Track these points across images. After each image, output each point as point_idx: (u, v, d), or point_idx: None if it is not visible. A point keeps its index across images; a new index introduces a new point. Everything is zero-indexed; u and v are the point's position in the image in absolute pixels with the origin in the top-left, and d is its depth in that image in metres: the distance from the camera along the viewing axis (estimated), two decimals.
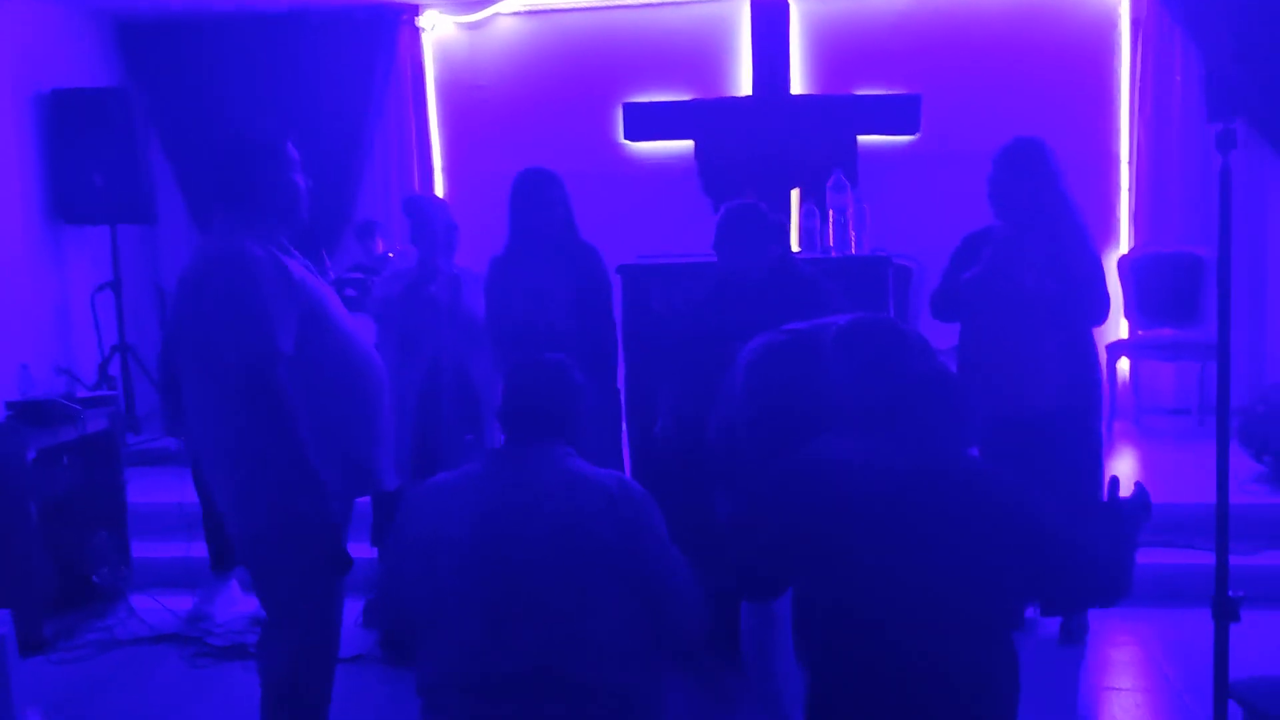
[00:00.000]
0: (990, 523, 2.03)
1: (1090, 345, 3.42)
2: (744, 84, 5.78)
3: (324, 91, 6.16)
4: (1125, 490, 2.17)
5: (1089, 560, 2.09)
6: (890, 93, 5.66)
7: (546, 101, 6.06)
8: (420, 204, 3.89)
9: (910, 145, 5.61)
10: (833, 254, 3.90)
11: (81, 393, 4.57)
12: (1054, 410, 3.33)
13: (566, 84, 6.04)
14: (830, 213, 3.89)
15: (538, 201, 3.59)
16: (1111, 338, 5.78)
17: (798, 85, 5.75)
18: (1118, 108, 5.89)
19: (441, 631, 2.10)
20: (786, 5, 5.64)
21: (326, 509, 2.37)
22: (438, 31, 6.22)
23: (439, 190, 6.31)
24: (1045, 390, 3.31)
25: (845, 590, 2.08)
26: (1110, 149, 5.91)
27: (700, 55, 5.92)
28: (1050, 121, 5.75)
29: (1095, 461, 3.43)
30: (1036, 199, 3.32)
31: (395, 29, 6.18)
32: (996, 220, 3.42)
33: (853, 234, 3.82)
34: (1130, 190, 5.89)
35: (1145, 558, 2.20)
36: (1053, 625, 3.57)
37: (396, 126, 6.27)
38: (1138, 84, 5.82)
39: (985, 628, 2.08)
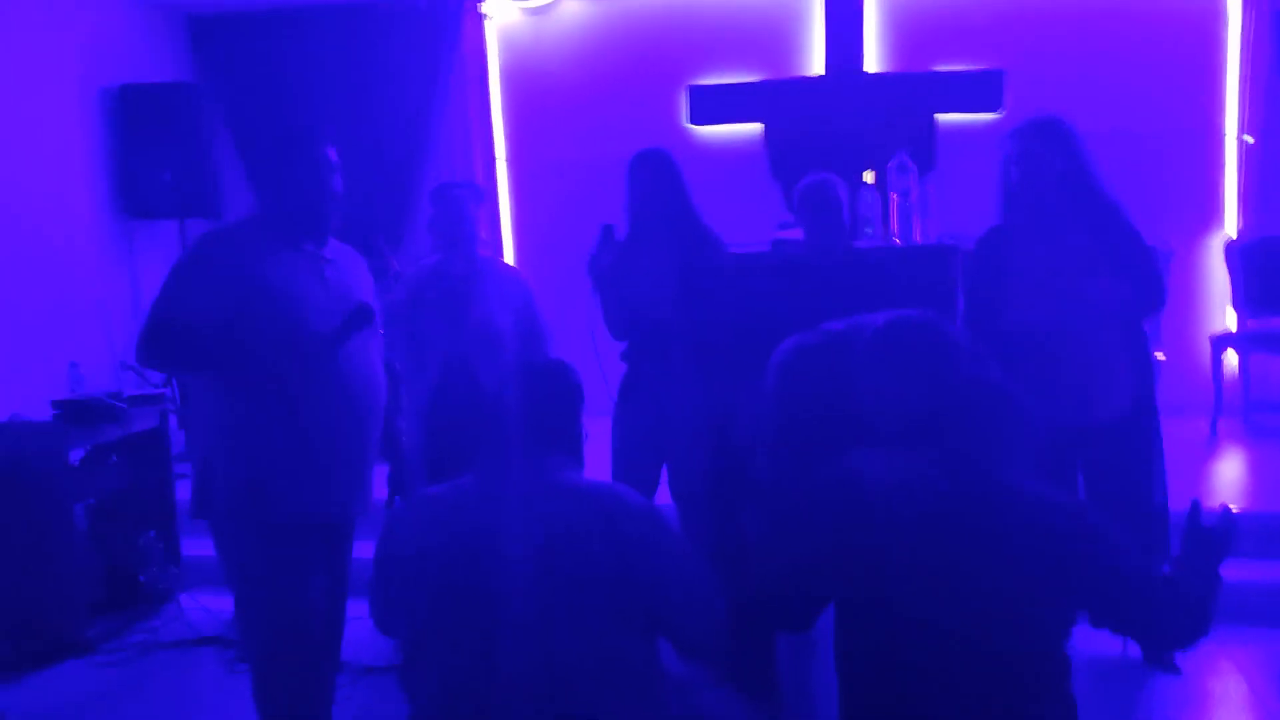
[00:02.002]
0: (1049, 556, 1.79)
1: (1147, 341, 3.11)
2: (815, 63, 5.51)
3: (388, 82, 6.08)
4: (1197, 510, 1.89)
5: (1166, 600, 1.84)
6: (971, 68, 5.33)
7: (611, 87, 5.87)
8: (439, 195, 3.67)
9: (993, 124, 5.26)
10: (895, 241, 3.63)
11: (144, 389, 4.56)
12: (1114, 416, 3.01)
13: (632, 68, 5.84)
14: (893, 197, 3.61)
15: (650, 183, 3.37)
16: (1217, 328, 5.37)
17: (872, 63, 5.46)
18: (1224, 81, 5.43)
19: (426, 660, 1.94)
20: None
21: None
22: (502, 18, 6.07)
23: (501, 180, 6.17)
24: (1104, 394, 2.99)
25: (878, 626, 1.87)
26: (1215, 126, 5.45)
27: (769, 34, 5.65)
28: (1148, 97, 5.37)
29: (1159, 470, 3.11)
30: (1064, 184, 3.00)
31: (460, 17, 6.04)
32: (1007, 214, 3.07)
33: (917, 220, 3.55)
34: (1239, 170, 5.44)
35: (1249, 573, 1.93)
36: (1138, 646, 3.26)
37: (459, 116, 6.15)
38: (1249, 55, 5.34)
39: (1038, 673, 1.84)
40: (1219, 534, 1.83)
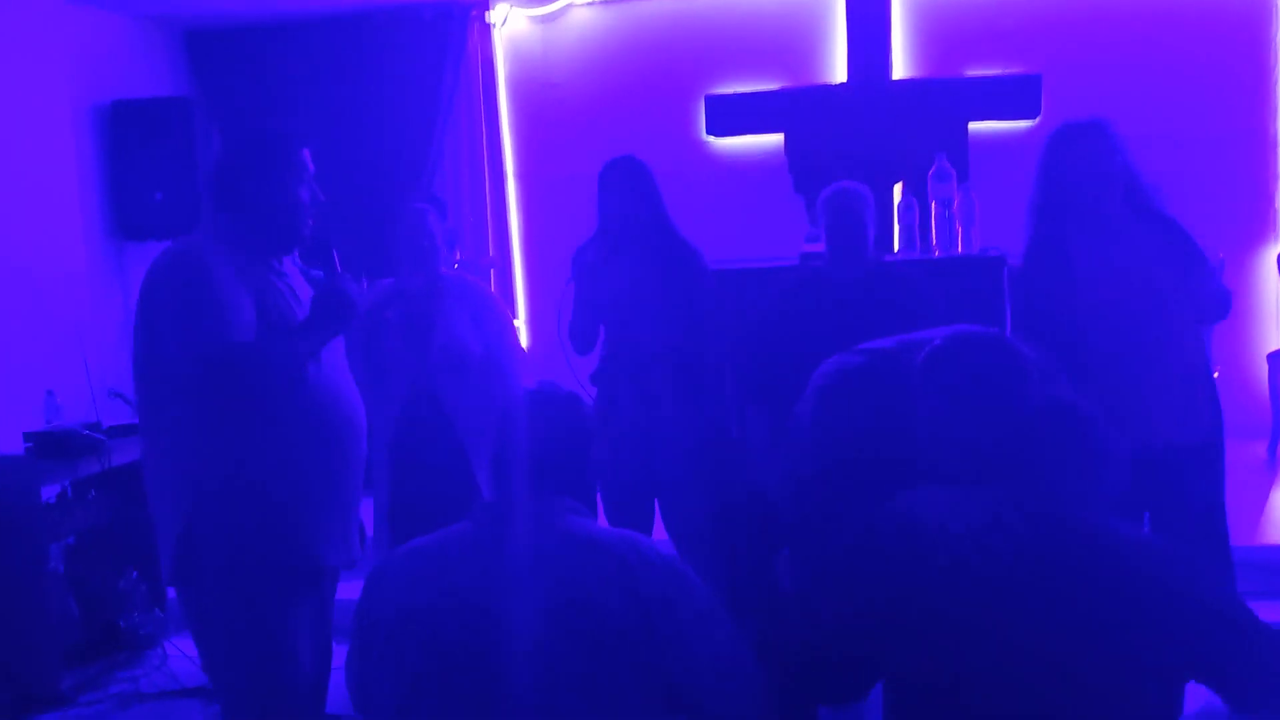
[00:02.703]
0: (1141, 605, 1.50)
1: (1209, 358, 2.85)
2: (838, 71, 5.23)
3: (393, 96, 5.84)
4: None
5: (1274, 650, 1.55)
6: (1006, 73, 5.04)
7: (624, 97, 5.61)
8: (400, 212, 3.40)
9: (1030, 132, 4.97)
10: (936, 254, 3.34)
11: (126, 419, 4.29)
12: (1184, 441, 2.72)
13: (645, 77, 5.58)
14: (933, 205, 3.33)
15: (630, 192, 3.13)
16: (1272, 346, 5.05)
17: (900, 69, 5.18)
18: (1273, 83, 5.14)
19: None
20: None
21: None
22: (509, 27, 5.83)
23: (511, 194, 5.92)
24: (1176, 417, 2.70)
25: (940, 696, 1.57)
26: (1264, 131, 5.16)
27: (790, 41, 5.39)
28: (1192, 102, 5.08)
29: (1221, 501, 2.81)
30: (1122, 189, 2.73)
31: (465, 26, 5.80)
32: (1057, 223, 2.77)
33: (959, 229, 3.25)
34: None
35: None
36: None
37: (467, 128, 5.91)
38: None
39: None
40: None
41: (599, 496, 3.28)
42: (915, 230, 3.32)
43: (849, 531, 1.69)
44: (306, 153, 2.29)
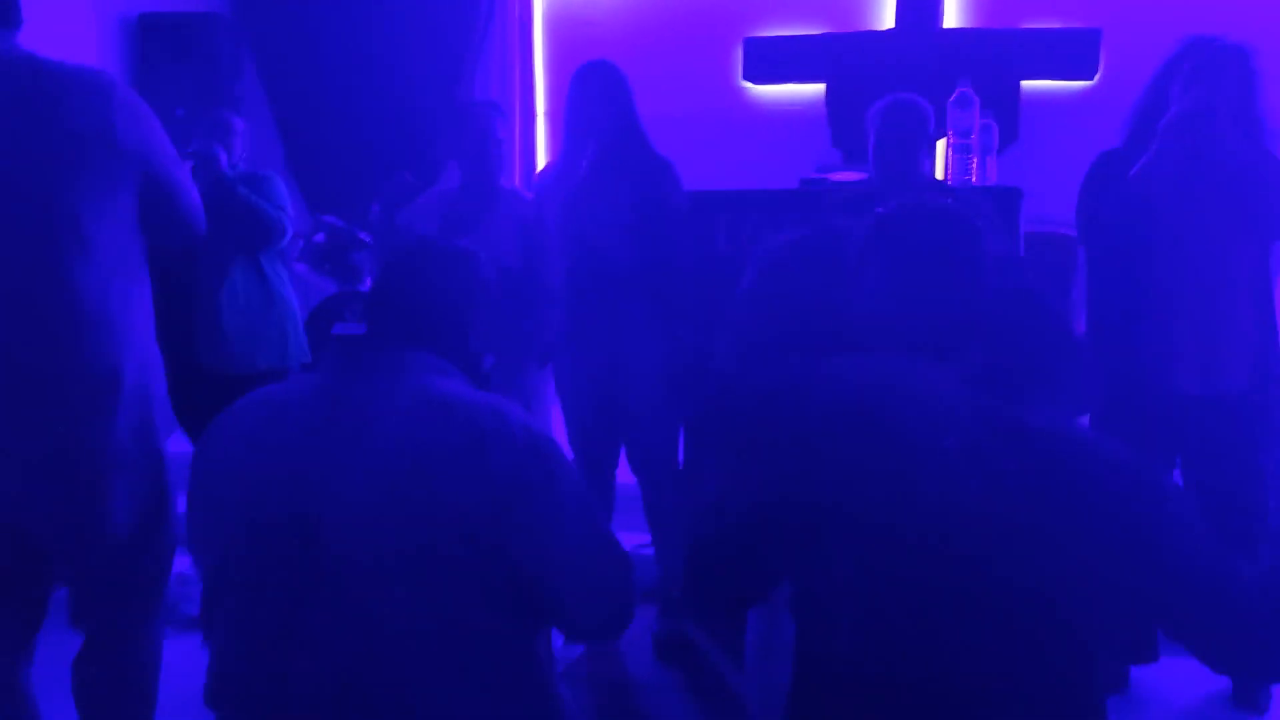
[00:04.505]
0: (1093, 515, 1.27)
1: (1275, 305, 2.60)
2: (887, 17, 4.97)
3: (426, 25, 5.69)
4: None
5: (1244, 603, 1.30)
6: (1063, 27, 4.76)
7: (662, 38, 5.39)
8: (469, 112, 3.24)
9: (1085, 92, 4.69)
10: (949, 184, 3.12)
11: None
12: (1234, 389, 2.51)
13: (685, 18, 5.36)
14: (949, 134, 3.10)
15: (596, 99, 2.92)
16: None
17: (951, 18, 4.91)
18: None
19: (227, 613, 1.44)
20: None
21: None
22: None
23: (540, 133, 5.74)
24: (1230, 361, 2.48)
25: (848, 576, 1.34)
26: None
27: None
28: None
29: (1274, 462, 2.57)
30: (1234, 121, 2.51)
31: None
32: (1160, 142, 2.56)
33: (975, 160, 3.02)
34: None
35: None
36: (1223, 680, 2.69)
37: (499, 67, 5.74)
38: None
39: (1062, 676, 1.31)
40: None
41: (564, 418, 3.12)
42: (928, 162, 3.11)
43: (768, 385, 1.48)
44: None
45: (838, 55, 4.92)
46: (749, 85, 5.17)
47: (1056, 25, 4.78)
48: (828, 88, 5.02)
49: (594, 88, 2.95)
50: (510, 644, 1.42)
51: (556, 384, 3.13)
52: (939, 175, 3.22)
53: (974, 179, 3.08)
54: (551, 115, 5.72)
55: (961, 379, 1.36)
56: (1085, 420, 3.66)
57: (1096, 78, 4.68)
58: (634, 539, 3.29)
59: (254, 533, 1.41)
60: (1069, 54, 4.68)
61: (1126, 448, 1.32)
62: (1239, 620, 1.26)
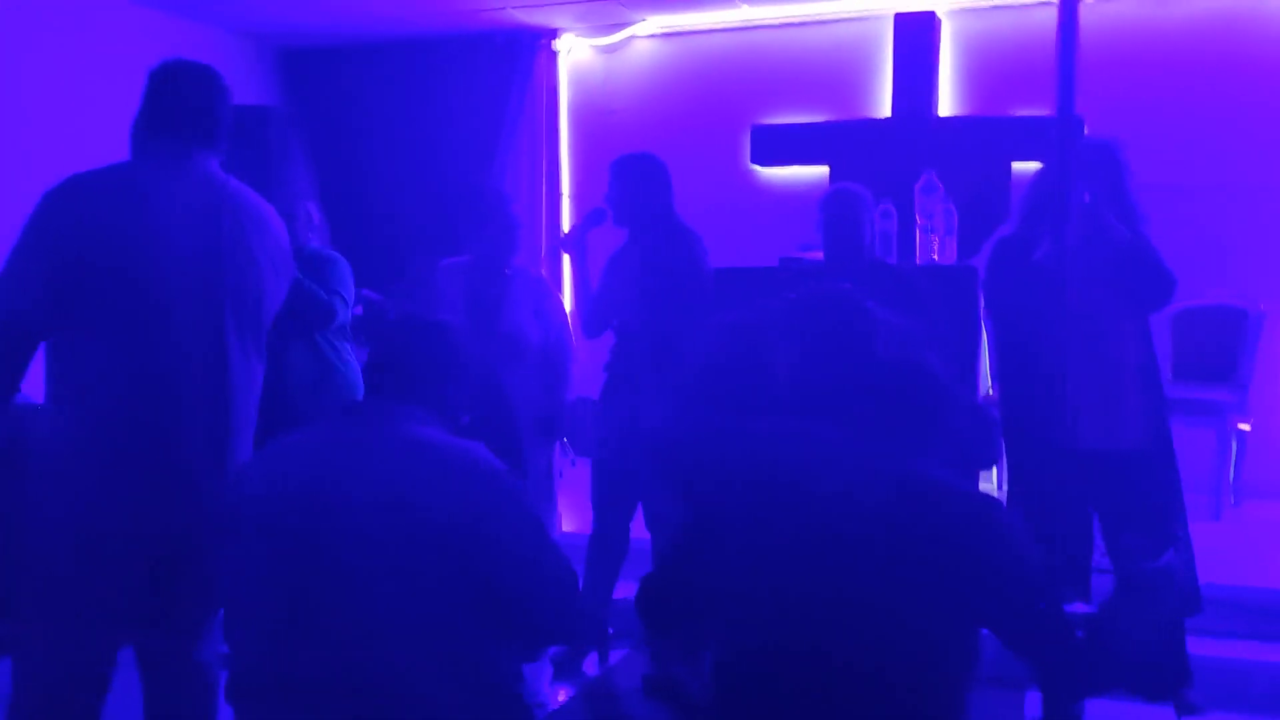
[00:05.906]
0: (944, 546, 1.55)
1: (1159, 370, 2.93)
2: (884, 106, 5.31)
3: (462, 114, 6.14)
4: None
5: (1057, 628, 1.59)
6: (1049, 114, 5.04)
7: (678, 125, 5.77)
8: (485, 195, 3.62)
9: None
10: (890, 261, 3.43)
11: None
12: (1128, 446, 2.80)
13: (700, 106, 5.74)
14: (916, 218, 3.41)
15: (640, 182, 3.32)
16: None
17: (946, 107, 5.23)
18: None
19: (245, 617, 1.79)
20: (934, 19, 5.18)
21: None
22: (573, 55, 6.07)
23: (565, 213, 6.12)
24: (1134, 413, 2.79)
25: (745, 600, 1.64)
26: None
27: (839, 75, 5.49)
28: (1238, 149, 5.01)
29: (1177, 516, 2.83)
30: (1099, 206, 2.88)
31: (533, 53, 6.07)
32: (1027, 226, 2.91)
33: (936, 240, 3.32)
34: None
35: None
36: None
37: (528, 150, 6.15)
38: None
39: (923, 683, 1.58)
40: (1154, 580, 1.57)
41: (591, 473, 3.40)
42: (893, 239, 3.40)
43: (694, 436, 1.78)
44: None
45: (838, 141, 5.25)
46: (757, 168, 5.51)
47: (1043, 113, 5.06)
48: (831, 170, 5.35)
49: (633, 172, 3.35)
50: (481, 642, 1.75)
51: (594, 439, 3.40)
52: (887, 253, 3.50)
53: (936, 256, 3.37)
54: (576, 195, 6.10)
55: (854, 436, 1.65)
56: (1000, 474, 3.90)
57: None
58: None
59: (269, 549, 1.75)
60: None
61: (977, 489, 1.60)
62: (1051, 637, 1.54)
